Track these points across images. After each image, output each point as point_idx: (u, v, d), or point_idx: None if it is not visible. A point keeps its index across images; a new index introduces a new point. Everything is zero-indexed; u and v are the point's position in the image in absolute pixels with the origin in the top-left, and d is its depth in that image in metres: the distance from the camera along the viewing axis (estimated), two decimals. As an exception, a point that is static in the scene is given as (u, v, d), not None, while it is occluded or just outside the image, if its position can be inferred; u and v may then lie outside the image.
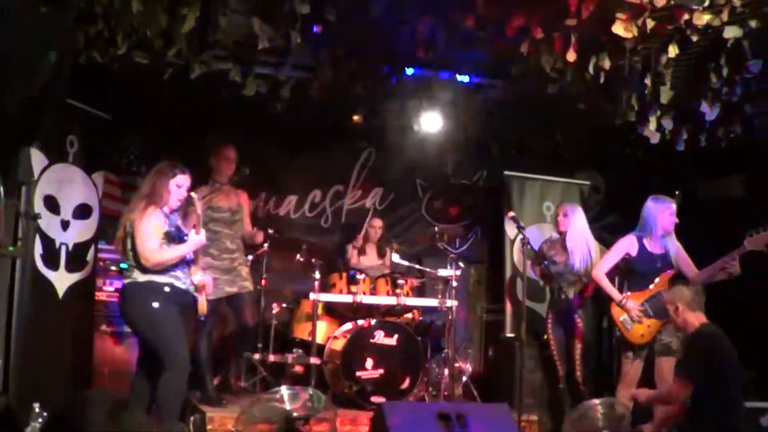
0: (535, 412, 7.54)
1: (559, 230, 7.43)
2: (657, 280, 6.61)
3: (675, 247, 6.69)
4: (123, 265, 5.81)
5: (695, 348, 5.59)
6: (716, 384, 5.40)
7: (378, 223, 8.67)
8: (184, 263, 5.71)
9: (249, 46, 6.13)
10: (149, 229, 5.53)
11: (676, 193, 9.27)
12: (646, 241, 6.67)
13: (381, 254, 8.56)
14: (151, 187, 5.67)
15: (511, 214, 7.40)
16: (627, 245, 6.73)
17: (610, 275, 6.90)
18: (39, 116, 2.95)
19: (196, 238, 5.67)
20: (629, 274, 6.79)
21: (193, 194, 5.72)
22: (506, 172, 9.09)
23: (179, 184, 5.69)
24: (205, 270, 6.67)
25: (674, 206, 6.69)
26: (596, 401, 6.28)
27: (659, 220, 6.62)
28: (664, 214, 6.62)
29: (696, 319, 5.59)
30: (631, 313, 6.56)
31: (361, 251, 8.61)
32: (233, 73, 6.51)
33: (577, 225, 7.35)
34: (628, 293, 6.67)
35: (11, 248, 4.03)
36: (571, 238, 7.32)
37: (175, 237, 5.63)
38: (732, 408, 5.43)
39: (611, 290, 6.74)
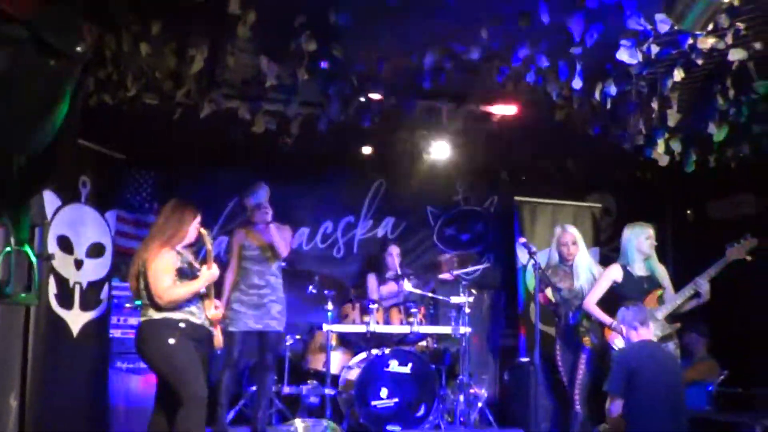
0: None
1: (565, 257, 7.36)
2: (645, 300, 6.78)
3: (660, 269, 7.05)
4: (137, 302, 5.85)
5: (612, 363, 6.08)
6: (632, 397, 5.76)
7: (396, 250, 8.69)
8: (198, 297, 5.72)
9: (257, 84, 6.19)
10: (162, 267, 5.54)
11: (688, 212, 9.30)
12: (629, 268, 6.97)
13: (398, 282, 8.57)
14: (172, 228, 5.66)
15: (522, 240, 7.39)
16: (613, 274, 7.01)
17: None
18: (50, 166, 3.00)
19: (208, 273, 5.68)
20: (619, 299, 6.88)
21: (203, 231, 5.76)
22: (517, 198, 9.13)
23: (198, 225, 5.75)
24: (232, 303, 6.78)
25: (651, 231, 7.02)
26: (606, 425, 6.28)
27: (636, 246, 6.95)
28: (640, 239, 6.97)
29: (637, 336, 5.98)
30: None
31: (382, 281, 8.65)
32: (242, 110, 6.54)
33: (584, 251, 7.35)
34: None
35: (22, 296, 4.07)
36: (577, 265, 7.29)
37: (187, 273, 5.65)
38: (650, 421, 5.65)
39: (602, 316, 6.91)
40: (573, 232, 7.33)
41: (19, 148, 2.80)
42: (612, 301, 6.93)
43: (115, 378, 7.43)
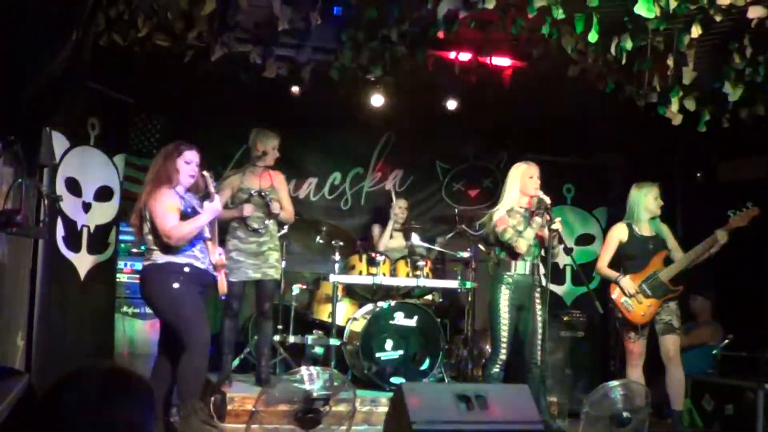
0: (554, 394, 7.51)
1: (528, 194, 6.87)
2: (652, 260, 6.81)
3: (665, 229, 6.99)
4: (142, 246, 5.83)
5: None
6: None
7: (403, 203, 8.68)
8: (203, 243, 5.69)
9: (269, 28, 6.12)
10: (165, 207, 5.50)
11: (698, 175, 9.23)
12: (635, 227, 6.92)
13: (407, 236, 8.53)
14: (158, 169, 5.63)
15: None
16: (618, 233, 6.96)
17: None
18: (58, 97, 2.96)
19: (211, 206, 5.61)
20: (623, 259, 6.92)
21: (205, 173, 5.69)
22: (527, 155, 9.06)
23: (188, 161, 5.64)
24: (230, 251, 6.71)
25: (657, 190, 6.94)
26: (615, 383, 6.27)
27: (643, 204, 6.89)
28: (648, 197, 6.90)
29: None
30: (625, 289, 6.73)
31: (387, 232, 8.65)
32: (253, 55, 6.49)
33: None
34: (626, 276, 6.84)
35: (32, 228, 4.06)
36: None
37: (190, 216, 5.61)
38: None
39: (610, 273, 6.90)
40: (537, 168, 6.94)
41: (30, 77, 2.77)
42: (615, 260, 6.94)
43: (120, 322, 7.46)
